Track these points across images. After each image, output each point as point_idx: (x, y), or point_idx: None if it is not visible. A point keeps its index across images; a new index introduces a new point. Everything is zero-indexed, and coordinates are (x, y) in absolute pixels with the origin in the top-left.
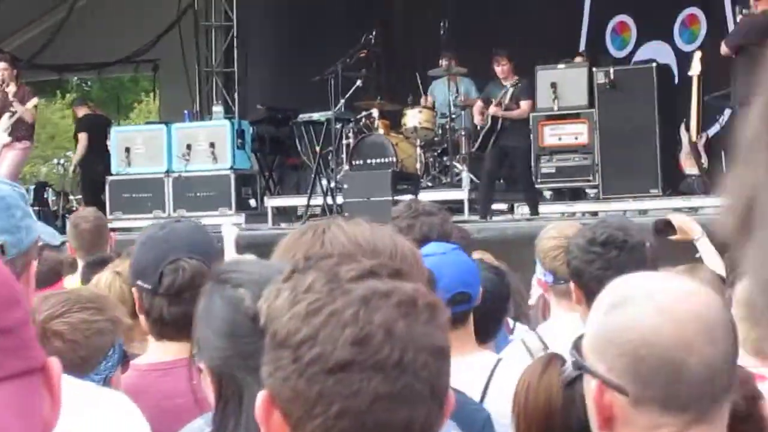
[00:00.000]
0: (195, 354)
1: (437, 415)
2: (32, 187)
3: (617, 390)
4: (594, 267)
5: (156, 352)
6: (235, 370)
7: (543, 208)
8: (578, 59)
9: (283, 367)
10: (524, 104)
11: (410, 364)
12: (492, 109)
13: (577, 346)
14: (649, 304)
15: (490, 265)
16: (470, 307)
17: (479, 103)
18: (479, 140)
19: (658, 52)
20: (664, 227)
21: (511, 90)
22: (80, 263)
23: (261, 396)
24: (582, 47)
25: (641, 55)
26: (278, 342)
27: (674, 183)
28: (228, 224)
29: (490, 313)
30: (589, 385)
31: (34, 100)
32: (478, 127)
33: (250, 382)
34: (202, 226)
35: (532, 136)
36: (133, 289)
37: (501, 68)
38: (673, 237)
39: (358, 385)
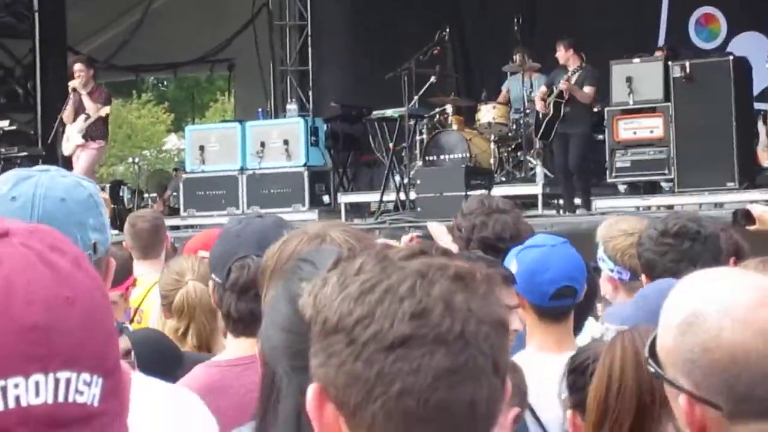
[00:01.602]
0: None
1: (500, 393)
2: (108, 185)
3: (710, 405)
4: (667, 259)
5: (234, 348)
6: (279, 366)
7: (617, 202)
8: (658, 54)
9: (336, 353)
10: (588, 89)
11: (472, 336)
12: (562, 84)
13: (653, 353)
14: (727, 319)
15: (586, 263)
16: (574, 303)
17: (543, 89)
18: (542, 128)
19: (754, 43)
20: (744, 217)
21: (577, 74)
22: (135, 263)
23: (311, 390)
24: (661, 42)
25: (735, 46)
26: (329, 328)
27: (751, 176)
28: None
29: (580, 310)
30: (675, 398)
31: (107, 109)
32: (540, 115)
33: (290, 380)
34: (282, 223)
35: (607, 130)
36: (210, 282)
37: (560, 54)
38: (752, 227)
39: (420, 361)
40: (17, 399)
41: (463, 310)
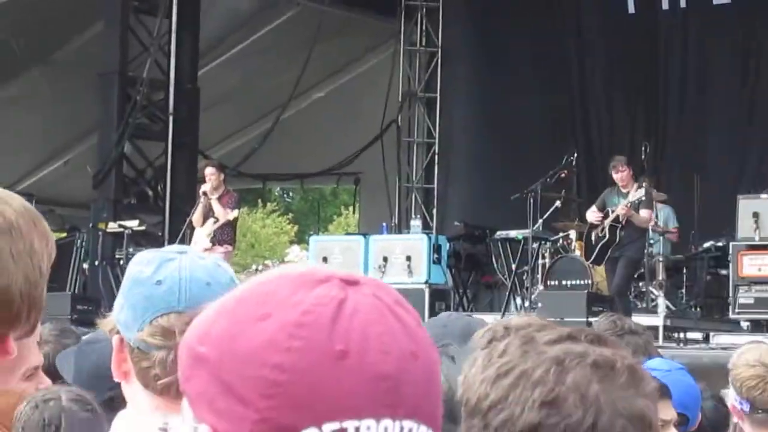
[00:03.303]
0: None
1: None
2: None
3: None
4: None
5: None
6: None
7: (739, 338)
8: None
9: None
10: (644, 212)
11: (605, 429)
12: (620, 209)
13: None
14: None
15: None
16: (685, 431)
17: (595, 212)
18: (594, 253)
19: None
20: None
21: (634, 197)
22: None
23: None
24: None
25: None
26: (470, 409)
27: None
28: None
29: None
30: None
31: (235, 213)
32: (593, 238)
33: None
34: (485, 323)
35: (731, 265)
36: None
37: (620, 175)
38: None
39: None
40: None
41: (598, 401)
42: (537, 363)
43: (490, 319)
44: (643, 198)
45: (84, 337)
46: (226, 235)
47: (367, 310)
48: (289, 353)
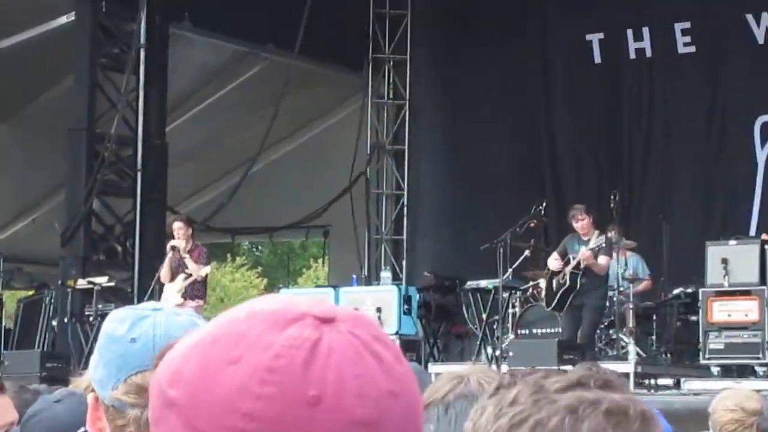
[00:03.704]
0: None
1: None
2: None
3: None
4: None
5: None
6: None
7: (709, 384)
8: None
9: None
10: (603, 260)
11: None
12: (581, 255)
13: None
14: None
15: None
16: None
17: (557, 259)
18: (555, 300)
19: None
20: None
21: (595, 243)
22: None
23: None
24: (753, 228)
25: None
26: None
27: None
28: None
29: None
30: None
31: (207, 269)
32: (554, 285)
33: None
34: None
35: (701, 312)
36: None
37: (580, 224)
38: None
39: None
40: None
41: None
42: (551, 412)
43: (456, 368)
44: (603, 245)
45: (28, 411)
46: (196, 290)
47: (343, 349)
48: (260, 401)
